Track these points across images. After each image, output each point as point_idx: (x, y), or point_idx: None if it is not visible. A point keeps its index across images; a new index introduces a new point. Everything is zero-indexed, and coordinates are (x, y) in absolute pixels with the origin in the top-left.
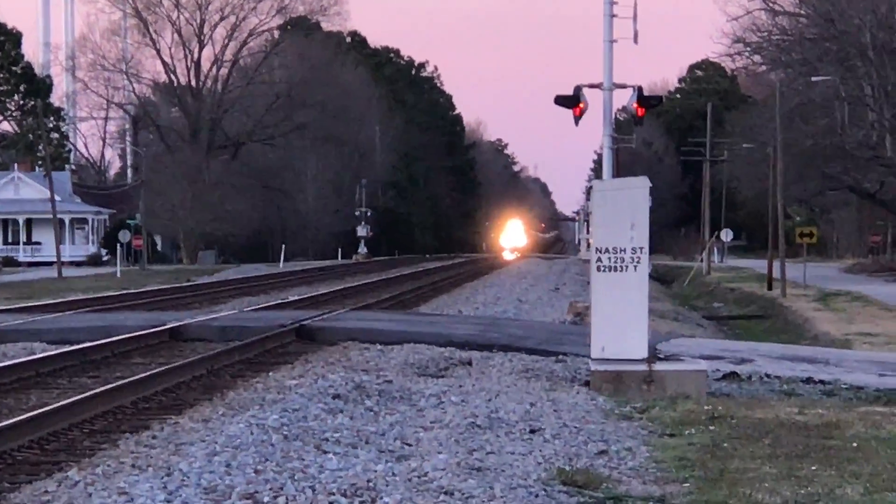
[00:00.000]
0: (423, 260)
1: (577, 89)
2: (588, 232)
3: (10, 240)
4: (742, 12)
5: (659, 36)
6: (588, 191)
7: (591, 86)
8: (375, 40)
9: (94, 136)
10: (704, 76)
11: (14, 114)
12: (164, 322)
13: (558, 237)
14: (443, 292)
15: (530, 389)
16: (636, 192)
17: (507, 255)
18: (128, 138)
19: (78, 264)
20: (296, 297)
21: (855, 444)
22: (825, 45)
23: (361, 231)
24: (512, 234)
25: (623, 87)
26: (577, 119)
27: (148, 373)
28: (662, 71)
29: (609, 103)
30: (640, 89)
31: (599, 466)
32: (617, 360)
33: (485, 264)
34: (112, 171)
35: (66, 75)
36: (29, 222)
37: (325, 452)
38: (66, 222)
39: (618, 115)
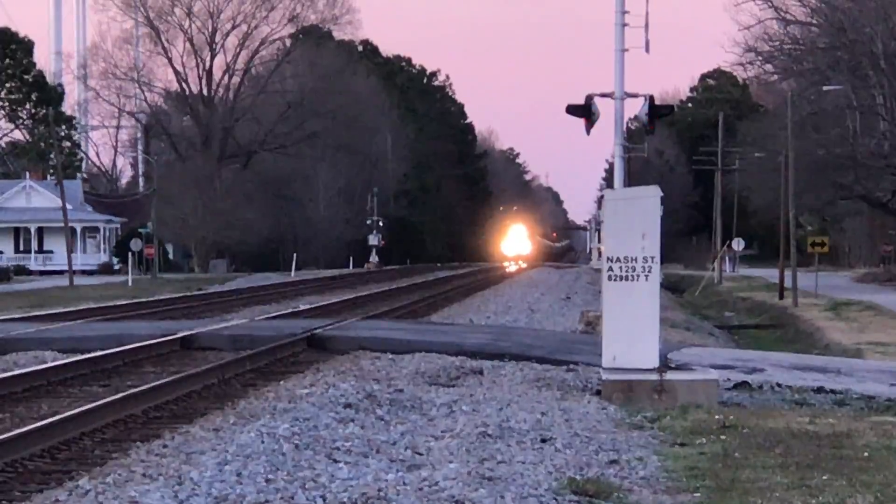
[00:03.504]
0: (434, 269)
1: (589, 98)
2: (599, 241)
3: (21, 248)
4: (754, 22)
5: (670, 45)
6: (599, 200)
7: (603, 95)
8: (387, 49)
9: (106, 144)
10: (716, 85)
11: (26, 122)
12: (175, 331)
13: (570, 246)
14: (454, 301)
15: (541, 399)
16: (647, 202)
17: (511, 266)
18: (139, 147)
19: (89, 273)
20: (307, 306)
21: (866, 454)
22: (837, 54)
23: (373, 240)
24: (515, 241)
25: (634, 96)
26: (588, 128)
27: (159, 382)
28: (674, 80)
29: (620, 112)
30: (651, 98)
31: (610, 476)
32: (628, 370)
33: (496, 274)
34: (124, 180)
35: (78, 84)
36: (41, 231)
37: (336, 461)
38: (78, 231)
39: (629, 125)
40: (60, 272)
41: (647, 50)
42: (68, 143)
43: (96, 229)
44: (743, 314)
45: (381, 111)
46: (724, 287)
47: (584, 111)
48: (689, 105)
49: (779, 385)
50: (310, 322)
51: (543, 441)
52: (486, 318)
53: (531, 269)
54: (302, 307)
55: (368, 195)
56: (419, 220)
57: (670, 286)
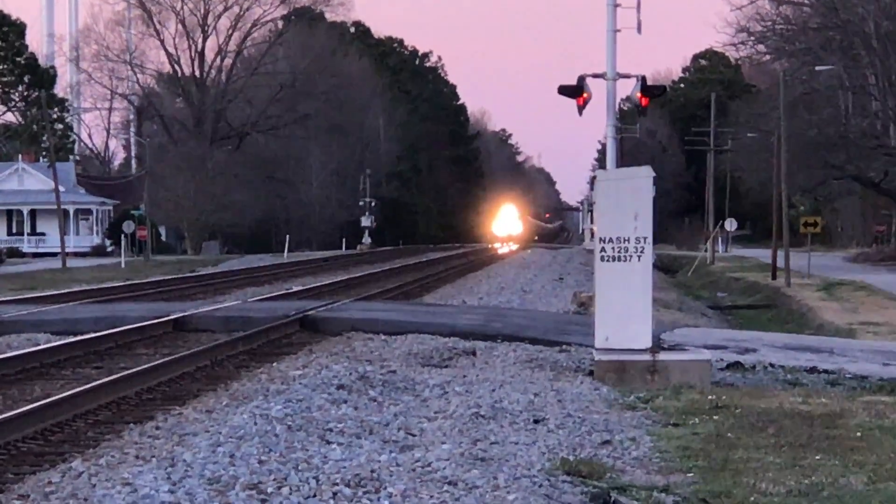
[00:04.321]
0: (427, 250)
1: (581, 79)
2: (592, 222)
3: (14, 231)
4: (746, 1)
5: (663, 25)
6: (592, 180)
7: (595, 75)
8: (379, 30)
9: (98, 126)
10: (708, 66)
11: (18, 105)
12: (168, 313)
13: (562, 227)
14: (446, 283)
15: (534, 379)
16: (640, 182)
17: (503, 246)
18: (132, 129)
19: (82, 255)
20: (300, 288)
21: (859, 434)
22: (829, 34)
23: (365, 221)
24: (505, 221)
25: (627, 76)
26: (580, 109)
27: (152, 363)
28: (666, 60)
29: (613, 93)
30: (643, 79)
31: (603, 456)
32: (621, 350)
33: (488, 255)
34: (116, 162)
35: (70, 66)
36: (33, 213)
37: (329, 443)
38: (71, 213)
39: (622, 105)
40: (53, 254)
41: (640, 30)
42: (61, 126)
43: (89, 211)
44: (736, 294)
45: (374, 92)
46: (717, 267)
47: (577, 91)
48: (682, 85)
49: (772, 365)
50: (303, 303)
51: (536, 422)
52: (478, 300)
53: (524, 250)
54: (295, 289)
55: (361, 176)
56: (412, 202)
57: (663, 266)
